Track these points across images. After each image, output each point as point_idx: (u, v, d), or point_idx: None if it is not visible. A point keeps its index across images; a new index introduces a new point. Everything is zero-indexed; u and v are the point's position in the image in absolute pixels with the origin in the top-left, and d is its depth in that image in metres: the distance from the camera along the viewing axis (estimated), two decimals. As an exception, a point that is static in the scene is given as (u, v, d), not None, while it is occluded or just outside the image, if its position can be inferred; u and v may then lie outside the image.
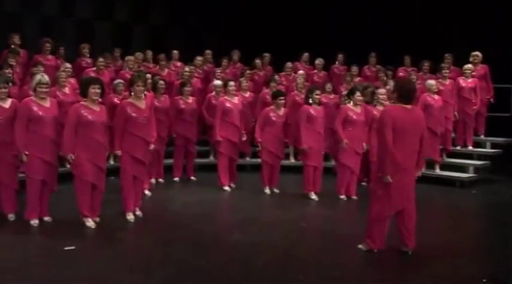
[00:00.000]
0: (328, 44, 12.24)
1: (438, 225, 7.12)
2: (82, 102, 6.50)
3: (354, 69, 11.20)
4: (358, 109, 8.23)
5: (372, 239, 5.71)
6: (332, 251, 5.95)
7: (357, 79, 11.06)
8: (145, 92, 7.11)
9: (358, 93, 8.24)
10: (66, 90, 8.54)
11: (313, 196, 8.30)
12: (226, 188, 8.83)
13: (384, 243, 5.72)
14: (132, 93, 6.88)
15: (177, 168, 9.54)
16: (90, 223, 6.48)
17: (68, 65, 9.28)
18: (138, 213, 6.98)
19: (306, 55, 11.92)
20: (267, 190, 8.66)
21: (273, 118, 8.49)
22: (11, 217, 6.70)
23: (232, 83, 9.00)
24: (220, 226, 7.14)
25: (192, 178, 9.60)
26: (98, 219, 6.60)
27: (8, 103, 6.59)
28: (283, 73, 11.43)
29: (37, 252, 5.79)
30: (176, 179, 9.47)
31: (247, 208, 7.90)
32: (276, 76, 10.62)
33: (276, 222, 7.15)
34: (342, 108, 8.36)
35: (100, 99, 6.57)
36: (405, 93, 5.59)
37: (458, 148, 10.19)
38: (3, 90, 6.60)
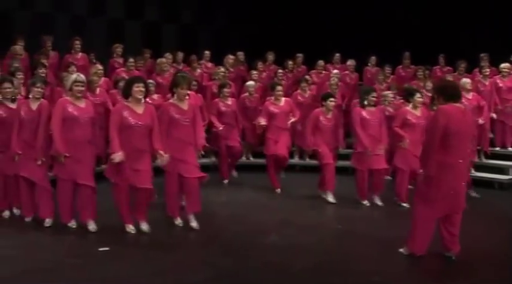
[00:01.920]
0: (359, 44, 12.06)
1: (478, 229, 6.81)
2: (125, 103, 6.27)
3: (388, 69, 11.00)
4: (417, 112, 7.74)
5: (414, 244, 5.50)
6: (371, 256, 5.75)
7: (390, 79, 10.86)
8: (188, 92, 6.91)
9: (418, 95, 7.75)
10: (97, 91, 8.51)
11: (365, 202, 7.88)
12: (278, 190, 8.65)
13: (426, 248, 5.51)
14: (175, 95, 6.60)
15: (224, 170, 9.26)
16: (130, 228, 6.32)
17: (100, 67, 9.18)
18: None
19: (337, 56, 11.79)
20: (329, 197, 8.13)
21: (323, 122, 8.06)
22: (48, 222, 6.52)
23: (279, 88, 8.78)
24: (256, 228, 6.94)
25: (225, 181, 9.27)
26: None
27: (36, 104, 6.56)
28: (314, 71, 11.31)
29: (71, 253, 5.72)
30: (225, 181, 9.23)
31: (283, 209, 7.76)
32: (307, 76, 10.47)
33: (312, 224, 6.97)
34: (401, 111, 7.92)
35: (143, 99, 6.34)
36: (451, 92, 5.37)
37: (497, 149, 9.88)
38: (40, 89, 6.58)
